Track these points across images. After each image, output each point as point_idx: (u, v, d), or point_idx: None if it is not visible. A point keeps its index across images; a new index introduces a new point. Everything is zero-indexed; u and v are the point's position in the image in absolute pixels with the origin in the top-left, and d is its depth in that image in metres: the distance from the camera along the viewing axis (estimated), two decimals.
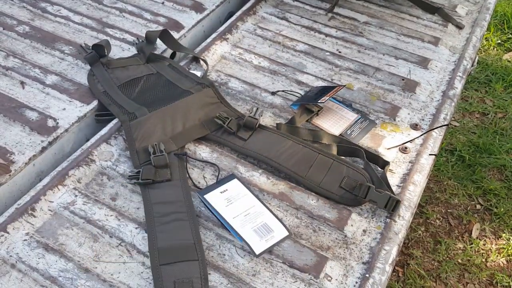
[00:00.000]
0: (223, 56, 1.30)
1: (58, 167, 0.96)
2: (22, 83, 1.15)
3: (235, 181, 0.97)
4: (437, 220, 2.04)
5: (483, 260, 1.87)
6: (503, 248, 1.89)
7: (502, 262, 1.87)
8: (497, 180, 2.14)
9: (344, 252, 0.88)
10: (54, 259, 0.82)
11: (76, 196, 0.92)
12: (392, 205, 0.92)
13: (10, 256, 0.82)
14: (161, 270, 0.81)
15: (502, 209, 2.01)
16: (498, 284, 1.78)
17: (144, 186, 0.94)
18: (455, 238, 1.97)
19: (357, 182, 0.96)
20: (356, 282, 0.83)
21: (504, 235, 1.94)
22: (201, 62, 1.26)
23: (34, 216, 0.88)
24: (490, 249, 1.90)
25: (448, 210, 2.06)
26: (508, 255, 1.88)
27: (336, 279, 0.83)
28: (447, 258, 1.88)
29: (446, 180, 2.16)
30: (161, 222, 0.88)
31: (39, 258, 0.82)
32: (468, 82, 2.66)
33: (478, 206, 2.06)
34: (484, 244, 1.92)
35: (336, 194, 0.96)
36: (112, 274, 0.81)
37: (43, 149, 1.00)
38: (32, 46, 1.26)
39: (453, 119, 2.46)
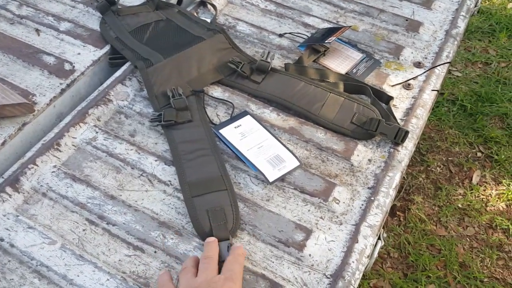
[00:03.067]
0: (229, 1, 1.32)
1: (78, 107, 1.01)
2: (37, 30, 1.18)
3: (248, 117, 1.02)
4: (437, 168, 2.09)
5: (483, 205, 1.93)
6: (503, 193, 1.95)
7: (502, 206, 1.93)
8: (498, 128, 2.17)
9: (351, 179, 0.93)
10: (81, 188, 0.88)
11: (97, 132, 0.98)
12: (401, 136, 0.97)
13: (41, 186, 0.88)
14: (194, 201, 0.86)
15: (503, 156, 2.05)
16: (498, 227, 1.85)
17: (167, 127, 0.99)
18: (456, 185, 2.02)
19: (367, 117, 1.01)
20: (362, 204, 0.89)
21: (504, 181, 1.99)
22: (209, 6, 1.28)
23: (60, 151, 0.94)
24: (490, 195, 1.95)
25: (449, 158, 2.10)
26: (508, 200, 1.93)
27: (344, 202, 0.89)
28: (448, 203, 1.93)
29: (447, 129, 2.20)
30: (187, 159, 0.93)
31: (67, 187, 0.88)
32: (471, 32, 2.66)
33: (479, 154, 2.10)
34: (484, 190, 1.97)
35: (348, 129, 1.01)
36: (136, 201, 0.88)
37: (62, 91, 1.05)
38: None
39: (455, 69, 2.47)
